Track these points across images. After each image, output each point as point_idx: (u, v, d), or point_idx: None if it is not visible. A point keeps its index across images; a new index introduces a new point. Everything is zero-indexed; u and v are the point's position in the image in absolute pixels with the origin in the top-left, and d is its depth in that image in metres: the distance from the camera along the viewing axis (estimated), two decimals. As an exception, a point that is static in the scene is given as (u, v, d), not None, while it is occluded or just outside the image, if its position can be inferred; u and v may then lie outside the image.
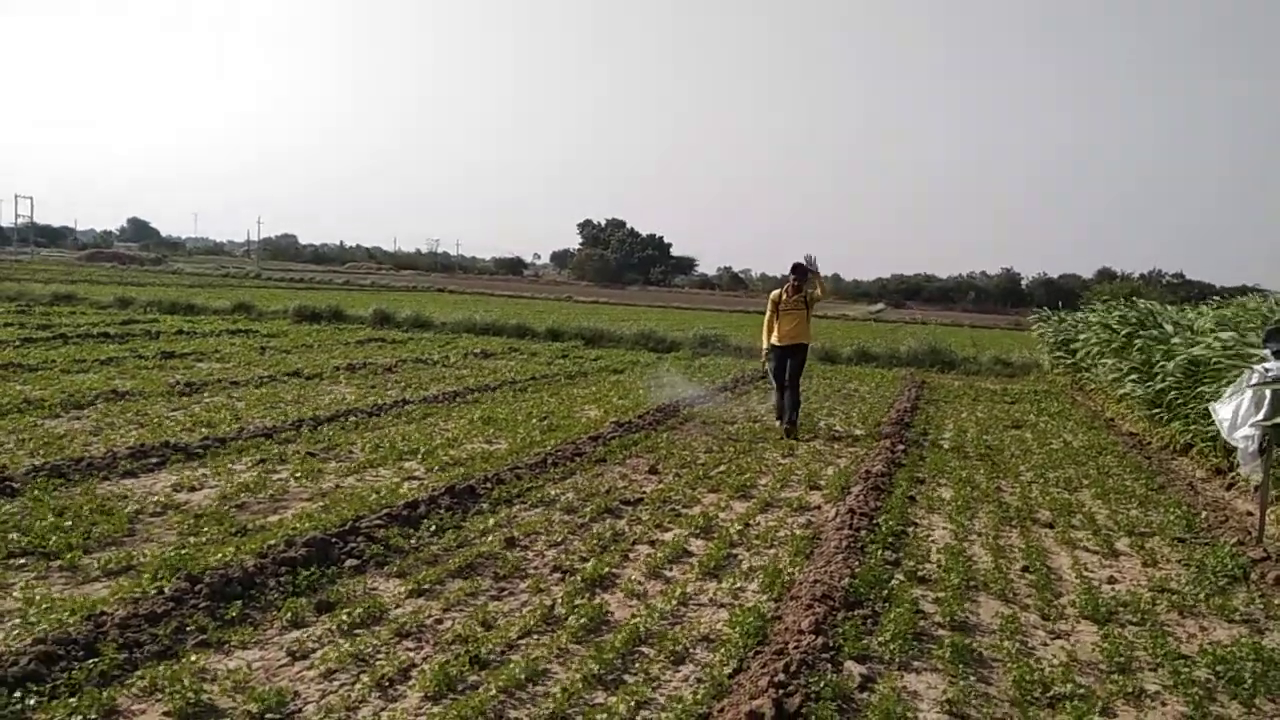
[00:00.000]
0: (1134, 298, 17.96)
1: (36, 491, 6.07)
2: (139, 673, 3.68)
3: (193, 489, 6.53)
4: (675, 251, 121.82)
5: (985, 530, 6.72)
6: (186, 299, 25.20)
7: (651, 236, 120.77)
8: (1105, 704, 3.97)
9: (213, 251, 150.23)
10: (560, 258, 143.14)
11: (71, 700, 3.41)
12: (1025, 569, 5.82)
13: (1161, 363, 10.77)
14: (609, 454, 8.62)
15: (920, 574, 5.57)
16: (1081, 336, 16.45)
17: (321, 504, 6.28)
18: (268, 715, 3.42)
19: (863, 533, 6.21)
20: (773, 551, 5.91)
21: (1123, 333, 13.22)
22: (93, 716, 3.34)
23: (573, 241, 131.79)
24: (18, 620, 4.10)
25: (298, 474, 7.10)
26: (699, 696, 3.73)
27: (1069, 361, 17.84)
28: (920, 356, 21.14)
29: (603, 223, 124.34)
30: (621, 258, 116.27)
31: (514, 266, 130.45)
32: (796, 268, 10.52)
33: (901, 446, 9.79)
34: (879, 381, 17.20)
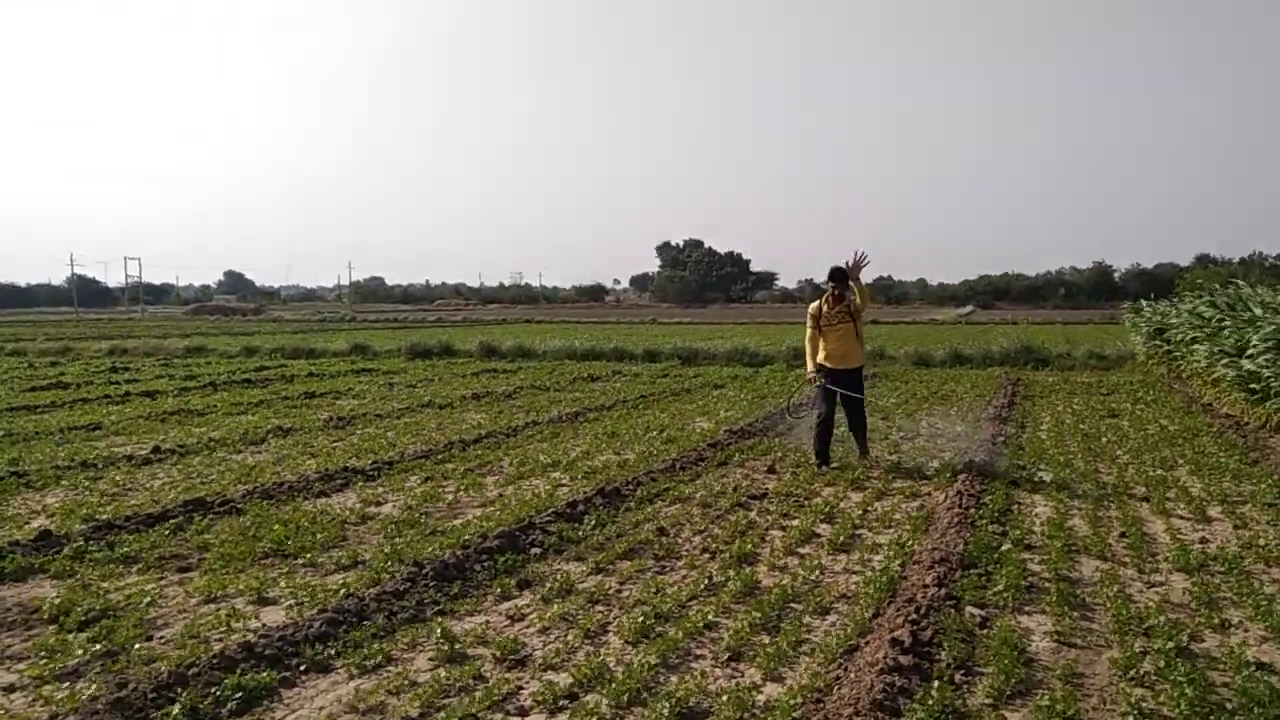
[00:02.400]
0: (1232, 281, 18.04)
1: (256, 510, 7.22)
2: (399, 633, 4.68)
3: (378, 503, 7.61)
4: (754, 267, 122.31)
5: (1084, 506, 7.36)
6: (306, 344, 26.99)
7: (730, 254, 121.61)
8: (1193, 631, 4.66)
9: (306, 298, 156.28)
10: (640, 281, 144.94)
11: (360, 651, 4.41)
12: (1122, 534, 6.47)
13: (1254, 344, 11.16)
14: (728, 458, 9.48)
15: (1026, 542, 6.28)
16: (1174, 323, 16.69)
17: (493, 509, 7.29)
18: (509, 657, 4.37)
19: (971, 511, 6.94)
20: (892, 530, 6.69)
21: (1213, 319, 13.53)
22: (375, 660, 4.33)
23: (651, 265, 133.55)
24: (292, 601, 5.16)
25: (463, 487, 8.15)
26: (846, 634, 4.56)
27: (1163, 350, 18.04)
28: (1013, 355, 21.47)
29: (681, 244, 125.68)
30: (701, 277, 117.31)
31: (595, 293, 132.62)
32: (835, 272, 8.86)
33: (1001, 438, 10.41)
34: (974, 381, 17.68)
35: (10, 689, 4.06)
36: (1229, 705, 3.80)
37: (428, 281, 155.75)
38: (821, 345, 9.03)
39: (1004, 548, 6.05)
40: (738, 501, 7.60)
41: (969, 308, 75.63)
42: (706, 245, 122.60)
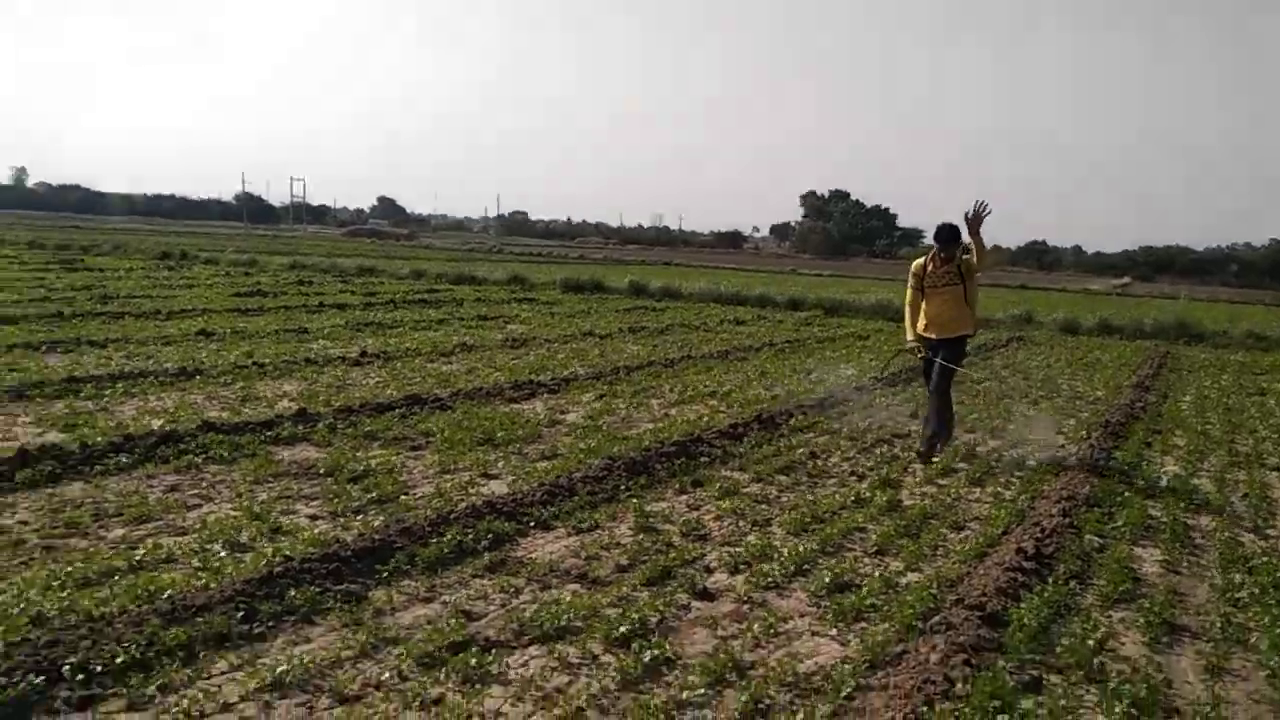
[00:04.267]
0: None
1: (463, 408, 8.45)
2: (601, 508, 5.74)
3: (563, 412, 8.74)
4: (901, 222, 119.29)
5: (1213, 469, 7.83)
6: (469, 272, 28.71)
7: (876, 207, 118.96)
8: (1294, 574, 5.26)
9: (454, 227, 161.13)
10: (780, 230, 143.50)
11: (573, 516, 5.49)
12: (1244, 495, 6.97)
13: None
14: (872, 401, 10.23)
15: (1150, 492, 6.87)
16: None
17: (661, 424, 8.31)
18: (692, 532, 5.38)
19: (1101, 463, 7.54)
20: (1024, 475, 7.37)
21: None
22: (586, 524, 5.40)
23: (793, 214, 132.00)
24: (512, 478, 6.30)
25: (632, 405, 9.20)
26: (978, 544, 5.37)
27: (1328, 334, 17.53)
28: (1166, 329, 21.14)
29: (826, 194, 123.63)
30: (845, 229, 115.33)
31: (733, 240, 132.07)
32: (943, 231, 7.54)
33: (1141, 405, 10.78)
34: (1120, 352, 17.69)
35: (315, 517, 5.31)
36: (1310, 626, 4.45)
37: (569, 219, 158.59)
38: (923, 311, 7.80)
39: (1128, 494, 6.67)
40: (880, 438, 8.39)
41: (1125, 279, 72.44)
42: (853, 197, 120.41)
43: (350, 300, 18.79)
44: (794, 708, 3.38)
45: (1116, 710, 3.46)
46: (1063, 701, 3.55)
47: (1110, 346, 18.79)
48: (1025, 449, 8.27)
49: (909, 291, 7.90)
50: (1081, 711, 3.53)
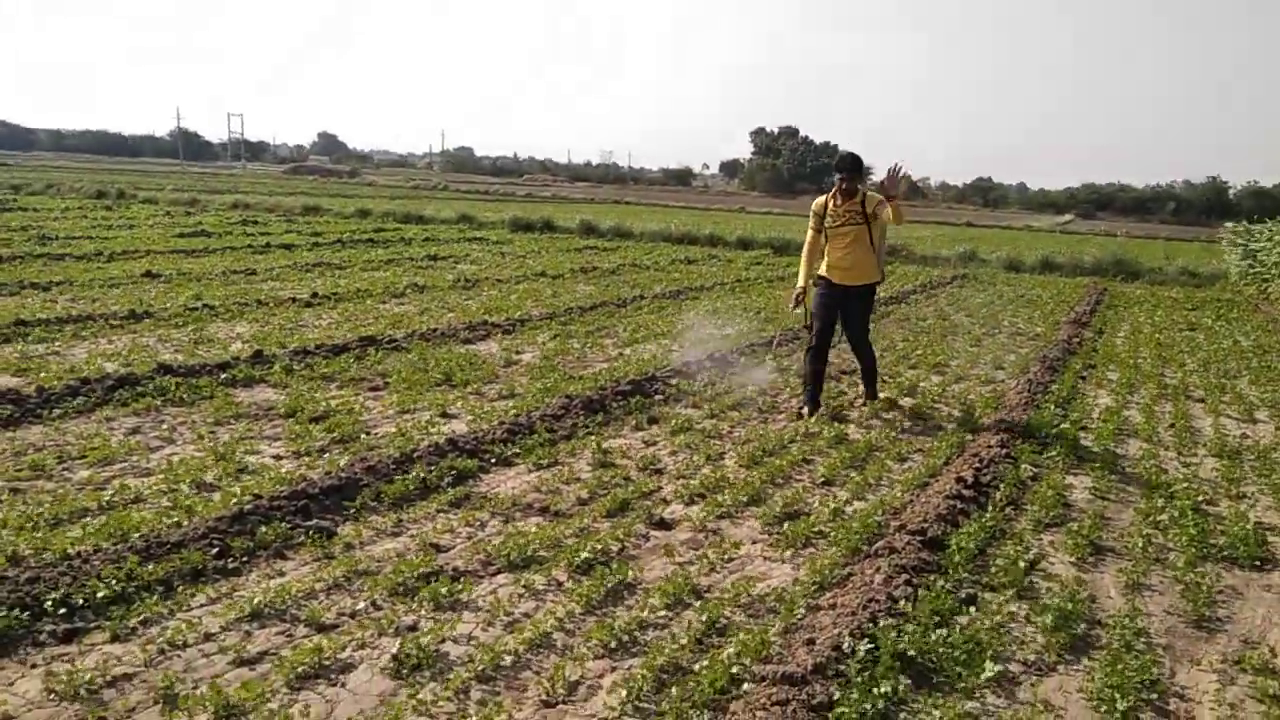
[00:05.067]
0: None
1: (418, 349, 8.51)
2: (560, 445, 5.90)
3: (519, 352, 8.84)
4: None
5: (1143, 401, 8.22)
6: (416, 211, 28.36)
7: (826, 144, 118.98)
8: (1210, 498, 5.62)
9: (397, 164, 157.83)
10: (729, 168, 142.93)
11: (534, 453, 5.64)
12: (1171, 425, 7.36)
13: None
14: (821, 339, 10.48)
15: (1083, 424, 7.21)
16: (1264, 245, 16.87)
17: (616, 364, 8.46)
18: (649, 467, 5.57)
19: (1038, 396, 7.88)
20: (964, 407, 7.67)
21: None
22: (546, 460, 5.56)
23: (743, 151, 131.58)
24: (471, 417, 6.42)
25: (587, 345, 9.34)
26: (920, 474, 5.65)
27: (1254, 271, 18.22)
28: (1105, 266, 21.72)
29: (775, 131, 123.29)
30: (794, 167, 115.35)
31: (682, 177, 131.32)
32: (844, 160, 6.91)
33: (1077, 340, 11.18)
34: (1060, 289, 18.18)
35: (279, 457, 5.40)
36: (1220, 544, 4.80)
37: (515, 155, 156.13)
38: (825, 253, 7.11)
39: (1062, 426, 7.01)
40: (830, 375, 8.64)
41: (1068, 216, 73.69)
42: (802, 134, 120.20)
43: (296, 241, 18.54)
44: (748, 626, 3.61)
45: (1045, 622, 3.74)
46: (997, 616, 3.83)
47: (1051, 283, 19.29)
48: (966, 383, 8.59)
49: (809, 233, 7.17)
50: (1013, 625, 3.81)
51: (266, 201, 30.36)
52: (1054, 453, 6.26)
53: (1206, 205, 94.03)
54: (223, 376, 7.00)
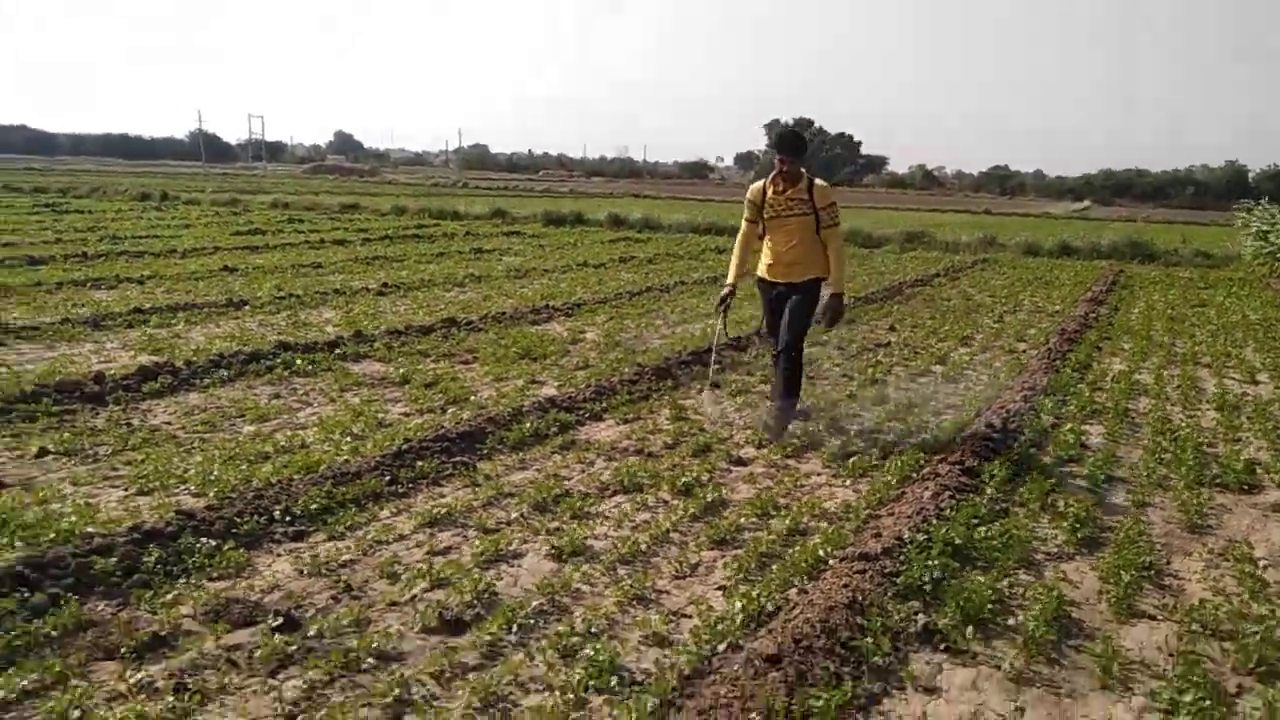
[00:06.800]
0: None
1: (494, 329, 9.43)
2: (639, 404, 6.81)
3: (582, 331, 9.74)
4: (865, 150, 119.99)
5: (1153, 366, 9.04)
6: (449, 207, 29.34)
7: (840, 135, 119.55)
8: (1210, 442, 6.46)
9: (414, 161, 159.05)
10: (744, 160, 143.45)
11: (619, 410, 6.55)
12: (1178, 385, 8.18)
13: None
14: (854, 318, 11.34)
15: (1098, 385, 8.05)
16: (1277, 226, 17.55)
17: (670, 340, 9.35)
18: (709, 425, 6.45)
19: (1057, 362, 8.72)
20: (990, 372, 8.52)
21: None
22: (631, 416, 6.46)
23: (757, 143, 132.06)
24: (557, 383, 7.33)
25: (641, 325, 10.23)
26: (955, 423, 6.51)
27: (1267, 251, 18.90)
28: (1120, 249, 22.42)
29: (790, 122, 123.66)
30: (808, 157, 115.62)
31: (697, 170, 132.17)
32: (784, 139, 6.10)
33: (1094, 316, 11.99)
34: (1077, 271, 18.94)
35: (407, 414, 6.32)
36: (1215, 472, 5.65)
37: (530, 151, 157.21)
38: (765, 248, 6.25)
39: (1079, 386, 7.85)
40: (865, 347, 9.52)
41: (1085, 203, 73.97)
42: (816, 125, 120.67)
43: (347, 237, 19.52)
44: (826, 528, 4.49)
45: (1065, 525, 4.61)
46: (1026, 522, 4.70)
47: (1068, 266, 20.04)
48: (991, 353, 9.44)
49: (743, 224, 6.33)
50: (1038, 527, 4.68)
51: (305, 200, 31.42)
52: (1072, 407, 7.12)
53: (1226, 189, 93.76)
54: (335, 352, 7.94)
